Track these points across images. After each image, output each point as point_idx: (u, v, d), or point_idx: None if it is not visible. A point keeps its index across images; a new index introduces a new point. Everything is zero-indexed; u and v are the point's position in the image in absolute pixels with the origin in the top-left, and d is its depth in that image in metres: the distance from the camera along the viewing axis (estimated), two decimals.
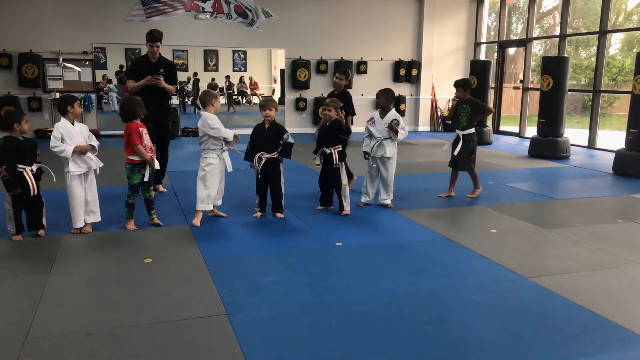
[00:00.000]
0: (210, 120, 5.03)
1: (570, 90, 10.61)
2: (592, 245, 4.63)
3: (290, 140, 5.36)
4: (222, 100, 22.64)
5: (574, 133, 11.55)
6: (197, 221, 5.07)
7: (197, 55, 23.44)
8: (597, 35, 10.88)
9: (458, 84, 6.45)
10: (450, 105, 12.61)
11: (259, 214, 5.43)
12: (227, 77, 23.18)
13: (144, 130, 4.88)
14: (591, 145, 10.98)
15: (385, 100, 5.80)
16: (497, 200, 6.24)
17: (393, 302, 3.44)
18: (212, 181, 5.10)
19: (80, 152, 4.63)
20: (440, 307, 3.40)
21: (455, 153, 6.32)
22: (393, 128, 5.68)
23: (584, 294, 3.59)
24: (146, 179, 4.87)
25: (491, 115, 12.44)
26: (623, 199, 6.51)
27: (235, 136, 5.14)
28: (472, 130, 6.34)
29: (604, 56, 10.93)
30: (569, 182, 7.57)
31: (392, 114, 5.80)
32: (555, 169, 8.51)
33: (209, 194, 5.10)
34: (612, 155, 8.44)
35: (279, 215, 5.42)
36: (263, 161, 5.26)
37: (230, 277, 3.83)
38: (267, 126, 5.30)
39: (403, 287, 3.69)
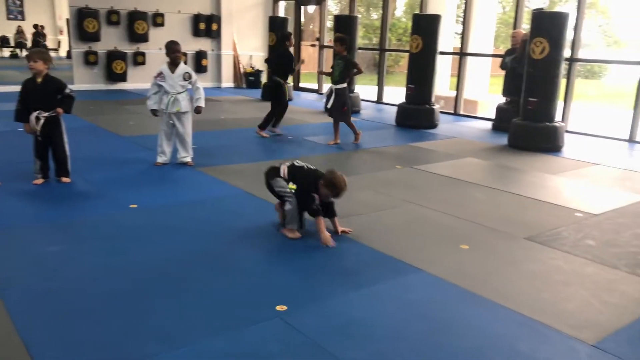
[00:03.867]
0: None
1: (360, 49, 11.39)
2: (374, 190, 5.11)
3: (72, 93, 4.87)
4: None
5: (366, 89, 12.51)
6: None
7: None
8: None
9: (336, 39, 6.93)
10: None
11: (40, 180, 4.89)
12: (19, 28, 20.21)
13: None
14: (379, 100, 12.00)
15: (176, 53, 5.57)
16: (297, 154, 6.50)
17: (187, 260, 3.41)
18: None
19: None
20: (236, 257, 3.47)
21: (329, 105, 6.83)
22: (198, 111, 5.68)
23: (366, 233, 3.96)
24: None
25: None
26: (402, 147, 7.29)
27: None
28: (345, 84, 6.88)
29: (388, 17, 11.89)
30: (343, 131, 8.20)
31: (183, 67, 5.62)
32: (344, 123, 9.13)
33: None
34: (396, 108, 9.34)
35: (64, 179, 4.95)
36: (42, 121, 4.71)
37: (2, 249, 3.41)
38: (39, 80, 4.72)
39: (197, 244, 3.67)
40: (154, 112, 5.65)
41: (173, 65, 5.58)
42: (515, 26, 9.35)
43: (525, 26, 9.70)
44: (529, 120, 7.33)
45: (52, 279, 3.05)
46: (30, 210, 4.29)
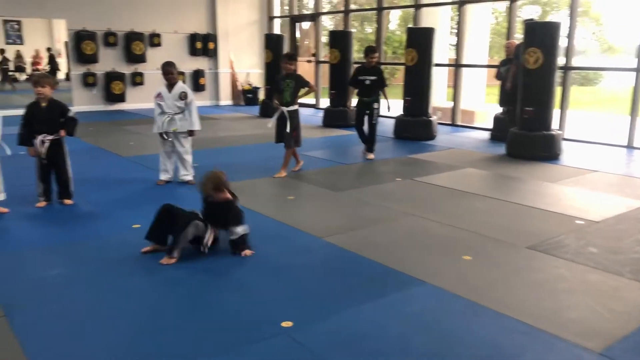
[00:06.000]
0: None
1: (355, 63, 11.47)
2: (375, 203, 5.13)
3: (75, 116, 4.93)
4: None
5: None
6: None
7: None
8: (376, 11, 11.90)
9: (286, 56, 6.28)
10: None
11: (43, 202, 4.92)
12: (17, 52, 20.32)
13: None
14: None
15: (169, 75, 5.58)
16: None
17: (192, 278, 3.42)
18: None
19: None
20: (237, 273, 3.48)
21: (288, 130, 6.04)
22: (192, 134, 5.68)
23: (369, 246, 3.98)
24: None
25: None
26: (401, 159, 7.33)
27: None
28: (296, 106, 6.16)
29: (382, 31, 12.00)
30: (358, 147, 8.22)
31: (179, 86, 5.65)
32: (346, 137, 9.18)
33: None
34: (393, 121, 9.39)
35: (67, 201, 4.98)
36: (47, 144, 4.76)
37: (6, 274, 3.42)
38: (43, 104, 4.78)
39: (200, 261, 3.68)
40: (162, 135, 5.68)
41: (170, 85, 5.63)
42: (508, 36, 9.44)
43: (518, 36, 9.80)
44: (526, 129, 7.38)
45: (58, 301, 3.07)
46: (34, 233, 4.31)
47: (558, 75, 7.49)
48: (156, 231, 3.82)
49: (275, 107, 6.25)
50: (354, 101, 7.86)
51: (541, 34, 7.19)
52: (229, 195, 3.86)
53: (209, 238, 3.74)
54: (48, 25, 22.16)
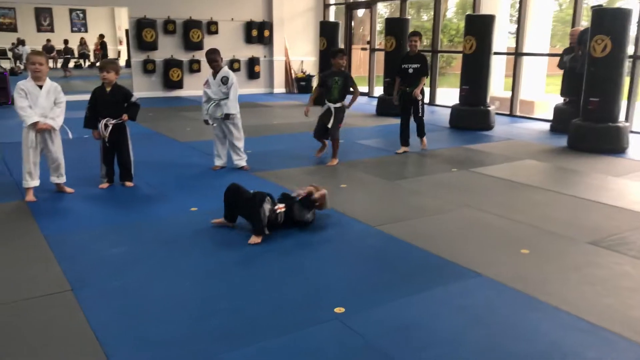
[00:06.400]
0: (15, 89, 4.53)
1: None
2: (429, 193, 5.06)
3: (138, 101, 5.10)
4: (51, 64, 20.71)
5: None
6: (29, 197, 4.65)
7: (26, 14, 21.01)
8: None
9: (338, 51, 6.23)
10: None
11: (106, 184, 5.13)
12: (82, 40, 21.27)
13: None
14: (432, 102, 11.86)
15: (213, 63, 5.62)
16: (348, 157, 6.53)
17: (248, 261, 3.49)
18: (23, 154, 4.65)
19: None
20: (290, 258, 3.53)
21: (330, 125, 6.09)
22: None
23: (422, 237, 3.94)
24: None
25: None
26: (457, 149, 7.19)
27: (37, 124, 4.52)
28: (341, 103, 6.16)
29: (440, 18, 11.76)
30: (412, 136, 8.12)
31: (223, 71, 5.69)
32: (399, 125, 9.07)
33: (24, 169, 4.64)
34: (449, 110, 9.21)
35: (128, 184, 5.17)
36: (110, 128, 4.94)
37: (74, 251, 3.60)
38: (108, 89, 4.96)
39: (256, 245, 3.74)
40: (206, 122, 5.80)
41: (215, 73, 5.70)
42: (573, 24, 9.05)
43: (584, 23, 9.38)
44: (590, 120, 7.07)
45: (120, 279, 3.20)
46: (97, 213, 4.50)
47: (627, 64, 7.13)
48: (228, 212, 3.99)
49: (311, 104, 6.33)
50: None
51: (610, 21, 6.84)
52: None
53: (280, 214, 3.88)
54: (111, 14, 22.96)
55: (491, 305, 2.95)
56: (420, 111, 6.80)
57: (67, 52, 20.32)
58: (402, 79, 6.84)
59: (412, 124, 6.91)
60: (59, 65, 21.12)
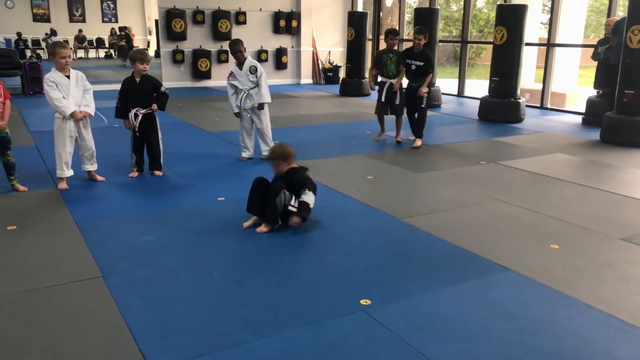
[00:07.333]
0: (45, 81, 4.61)
1: (440, 42, 11.15)
2: (457, 186, 5.01)
3: (167, 91, 5.16)
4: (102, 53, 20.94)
5: (446, 83, 12.24)
6: (61, 185, 4.75)
7: (59, 5, 21.40)
8: None
9: (390, 31, 6.74)
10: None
11: (135, 173, 5.21)
12: (112, 30, 21.56)
13: None
14: (460, 93, 11.71)
15: (237, 53, 5.65)
16: (375, 149, 6.49)
17: (274, 251, 3.51)
18: (58, 144, 4.74)
19: None
20: (321, 249, 3.53)
21: (398, 102, 6.67)
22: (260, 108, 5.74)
23: (449, 230, 3.90)
24: None
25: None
26: (486, 142, 7.08)
27: (75, 115, 4.62)
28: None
29: (470, 8, 11.56)
30: (440, 128, 8.06)
31: (248, 61, 5.70)
32: (430, 117, 8.97)
33: (60, 159, 4.73)
34: (478, 102, 9.08)
35: (157, 173, 5.24)
36: (139, 117, 5.01)
37: (104, 239, 3.66)
38: (138, 79, 5.02)
39: (282, 236, 3.76)
40: (237, 114, 5.82)
41: (240, 64, 5.71)
42: (609, 14, 8.79)
43: (620, 13, 9.10)
44: (625, 113, 6.88)
45: (149, 266, 3.25)
46: (127, 201, 4.58)
47: None
48: (253, 204, 3.93)
49: (373, 81, 6.97)
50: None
51: None
52: (294, 165, 3.99)
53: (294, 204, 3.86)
54: (141, 4, 23.22)
55: (519, 300, 2.90)
56: (423, 102, 6.68)
57: (127, 39, 19.89)
58: (407, 74, 6.84)
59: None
60: (89, 55, 21.42)
